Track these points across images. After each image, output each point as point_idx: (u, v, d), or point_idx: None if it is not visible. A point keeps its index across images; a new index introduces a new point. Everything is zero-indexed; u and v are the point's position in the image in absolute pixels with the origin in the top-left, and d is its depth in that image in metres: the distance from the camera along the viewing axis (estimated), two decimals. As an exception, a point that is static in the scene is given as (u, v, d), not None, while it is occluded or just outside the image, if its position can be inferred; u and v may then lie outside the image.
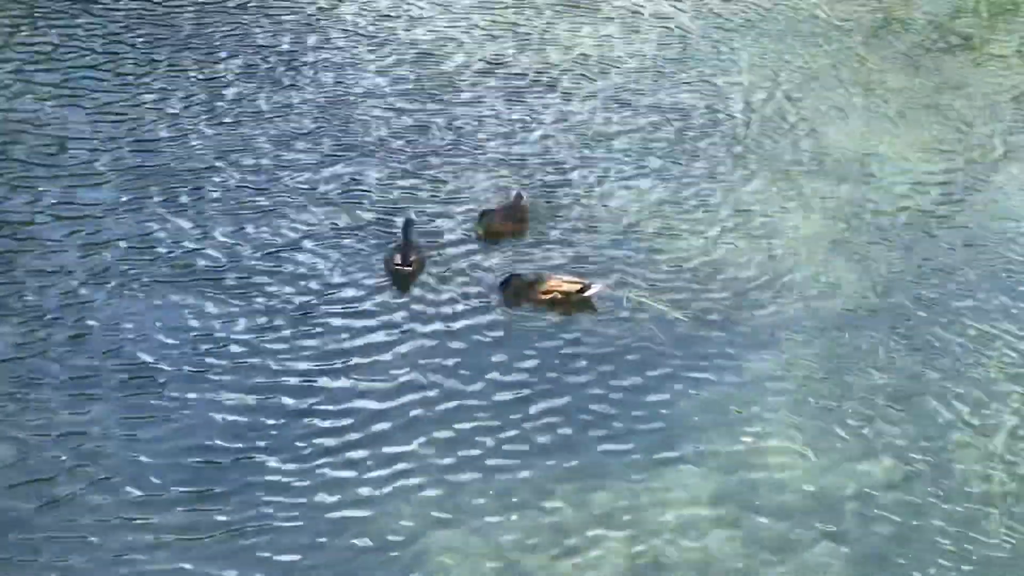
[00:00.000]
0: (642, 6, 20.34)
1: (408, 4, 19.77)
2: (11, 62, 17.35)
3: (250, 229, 14.76)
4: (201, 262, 14.21)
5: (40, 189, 15.04)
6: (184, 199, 15.14)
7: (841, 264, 15.06)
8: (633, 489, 11.99)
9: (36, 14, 18.48)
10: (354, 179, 15.71)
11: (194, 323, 13.38)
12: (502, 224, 14.97)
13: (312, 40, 18.61)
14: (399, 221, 14.76)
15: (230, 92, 17.19)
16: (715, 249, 15.15)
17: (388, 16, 19.43)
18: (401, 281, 14.23)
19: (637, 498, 11.92)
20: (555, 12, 19.95)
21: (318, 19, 19.15)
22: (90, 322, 13.25)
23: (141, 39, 18.18)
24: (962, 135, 17.70)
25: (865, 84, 18.69)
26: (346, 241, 14.72)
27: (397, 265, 14.26)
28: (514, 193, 15.35)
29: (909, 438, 12.76)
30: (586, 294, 14.04)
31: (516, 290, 14.07)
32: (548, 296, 14.01)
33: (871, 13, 20.68)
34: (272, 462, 11.93)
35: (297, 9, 19.36)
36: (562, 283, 14.08)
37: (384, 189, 15.60)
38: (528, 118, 17.30)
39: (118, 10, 18.82)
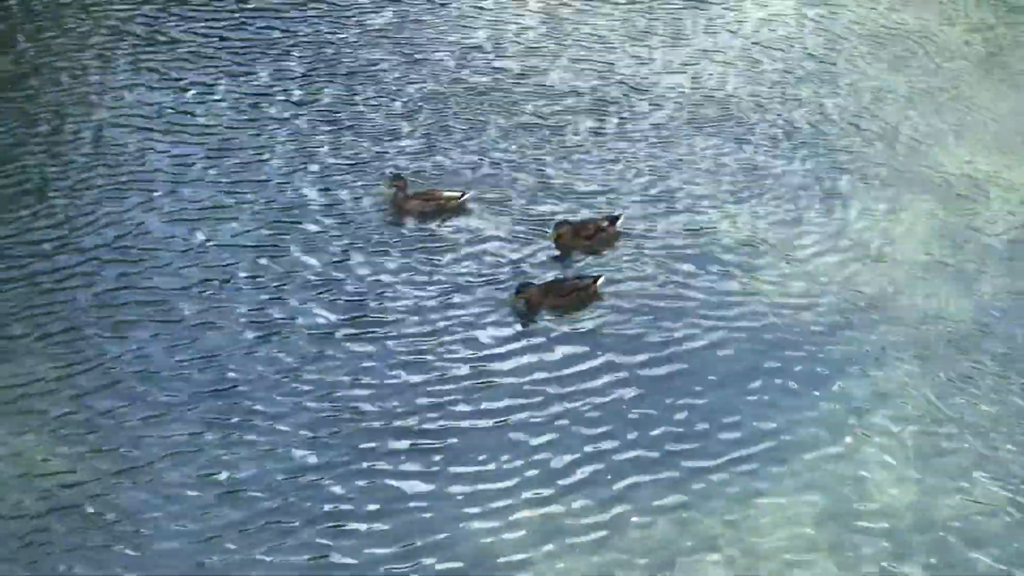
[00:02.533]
0: (751, 25, 20.50)
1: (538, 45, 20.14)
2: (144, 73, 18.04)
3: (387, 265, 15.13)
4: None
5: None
6: (324, 235, 15.49)
7: (947, 287, 15.05)
8: (735, 510, 12.10)
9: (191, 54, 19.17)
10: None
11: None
12: (572, 238, 15.28)
13: (457, 73, 18.97)
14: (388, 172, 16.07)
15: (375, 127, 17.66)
16: (819, 269, 15.23)
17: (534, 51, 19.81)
18: (461, 208, 15.74)
19: (740, 519, 12.02)
20: (664, 44, 20.13)
21: (464, 53, 19.48)
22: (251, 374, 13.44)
23: (281, 60, 18.81)
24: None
25: (977, 107, 18.63)
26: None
27: (458, 200, 15.75)
28: (604, 214, 15.66)
29: (1014, 464, 12.73)
30: (597, 283, 14.57)
31: (530, 298, 14.34)
32: (568, 298, 14.37)
33: (986, 37, 20.60)
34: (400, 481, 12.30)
35: (444, 38, 19.79)
36: (576, 283, 14.51)
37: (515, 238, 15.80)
38: (633, 141, 17.52)
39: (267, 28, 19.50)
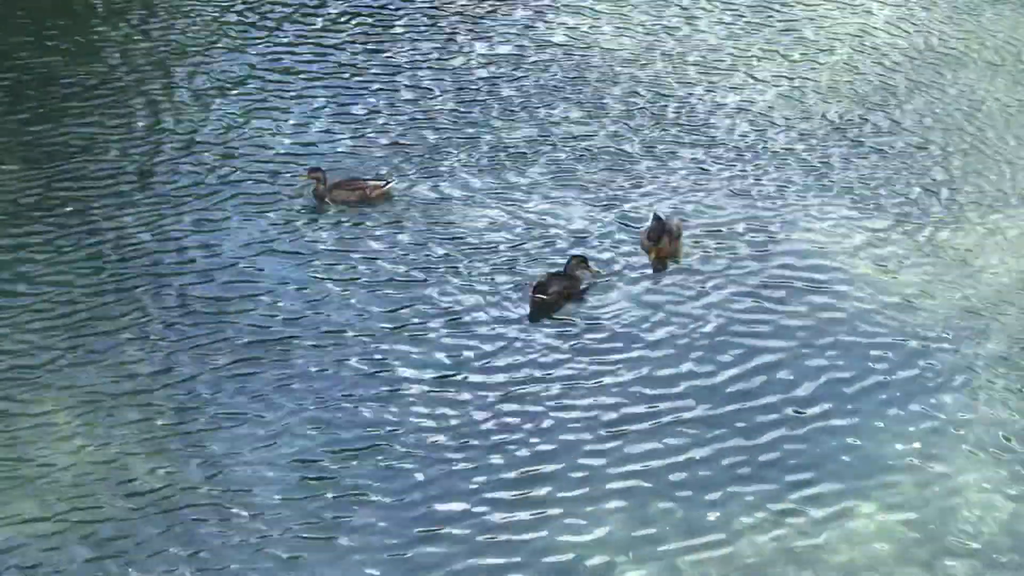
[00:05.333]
0: (852, 36, 20.40)
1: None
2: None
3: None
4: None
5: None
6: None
7: (1046, 303, 14.92)
8: (820, 527, 12.06)
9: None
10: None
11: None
12: (651, 244, 15.36)
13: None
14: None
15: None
16: (916, 283, 15.11)
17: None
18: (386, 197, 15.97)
19: (824, 536, 11.98)
20: (757, 65, 20.09)
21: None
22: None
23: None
24: None
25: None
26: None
27: (382, 189, 15.88)
28: (652, 215, 15.65)
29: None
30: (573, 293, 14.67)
31: (544, 292, 14.49)
32: (538, 296, 14.50)
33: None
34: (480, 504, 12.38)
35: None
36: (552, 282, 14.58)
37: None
38: (720, 152, 17.55)
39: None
